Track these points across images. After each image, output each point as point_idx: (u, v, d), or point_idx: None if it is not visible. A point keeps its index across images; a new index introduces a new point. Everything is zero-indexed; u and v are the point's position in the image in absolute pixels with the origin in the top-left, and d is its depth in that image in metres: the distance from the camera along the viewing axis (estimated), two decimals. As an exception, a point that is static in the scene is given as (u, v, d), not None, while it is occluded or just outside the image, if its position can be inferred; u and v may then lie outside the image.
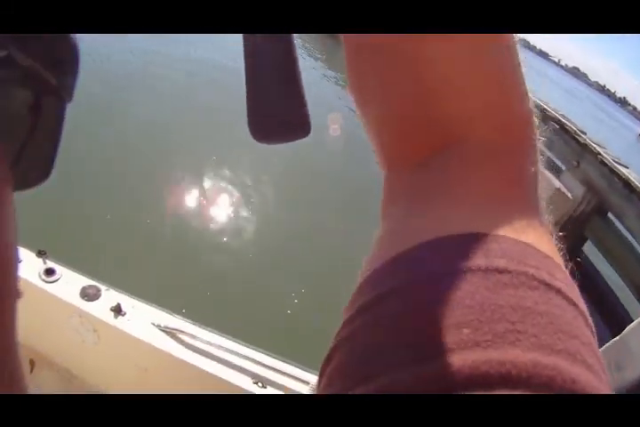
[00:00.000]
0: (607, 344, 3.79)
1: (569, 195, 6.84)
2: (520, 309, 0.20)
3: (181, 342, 1.97)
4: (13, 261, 0.19)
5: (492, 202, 0.27)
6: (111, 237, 4.22)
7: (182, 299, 3.53)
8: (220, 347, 1.93)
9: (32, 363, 2.31)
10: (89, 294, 2.10)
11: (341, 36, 0.30)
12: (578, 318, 0.22)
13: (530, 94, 0.30)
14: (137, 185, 5.16)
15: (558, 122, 7.72)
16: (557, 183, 6.87)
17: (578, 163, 7.27)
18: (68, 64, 0.20)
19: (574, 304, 0.22)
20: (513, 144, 0.30)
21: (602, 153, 7.09)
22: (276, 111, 0.29)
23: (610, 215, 7.11)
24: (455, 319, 0.20)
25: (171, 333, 1.97)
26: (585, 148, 7.34)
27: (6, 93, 0.18)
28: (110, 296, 2.10)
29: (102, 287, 2.13)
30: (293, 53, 0.29)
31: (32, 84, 0.19)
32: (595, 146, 7.32)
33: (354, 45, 0.30)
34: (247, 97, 0.29)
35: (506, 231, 0.24)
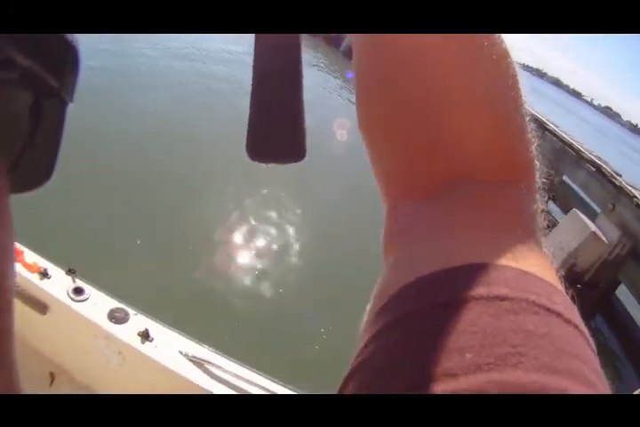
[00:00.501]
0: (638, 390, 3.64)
1: (604, 238, 6.71)
2: (521, 332, 0.21)
3: (208, 372, 1.91)
4: (10, 262, 0.18)
5: (495, 233, 0.28)
6: (140, 262, 4.22)
7: (211, 331, 3.49)
8: (247, 381, 1.87)
9: (52, 376, 2.30)
10: (117, 317, 2.06)
11: (354, 74, 0.33)
12: (578, 338, 0.23)
13: (535, 141, 0.32)
14: (169, 209, 5.19)
15: (594, 164, 7.63)
16: (593, 227, 6.74)
17: (613, 206, 7.15)
18: (68, 65, 0.20)
19: (575, 326, 0.23)
20: (514, 183, 0.31)
21: (638, 196, 6.96)
22: (274, 133, 0.30)
23: (645, 259, 6.95)
24: (459, 345, 0.21)
25: (198, 363, 1.91)
26: (621, 190, 7.23)
27: (6, 95, 0.18)
28: (138, 321, 2.06)
29: (131, 312, 2.09)
30: (300, 80, 0.31)
31: (32, 85, 0.19)
32: (630, 188, 7.20)
33: (365, 82, 0.33)
34: (249, 116, 0.30)
35: (508, 260, 0.25)
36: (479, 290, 0.23)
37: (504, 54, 0.30)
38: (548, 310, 0.23)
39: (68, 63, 0.20)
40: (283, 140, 0.31)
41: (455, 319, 0.22)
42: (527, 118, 0.32)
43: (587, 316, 6.42)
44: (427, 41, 0.29)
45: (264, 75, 0.31)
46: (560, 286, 0.26)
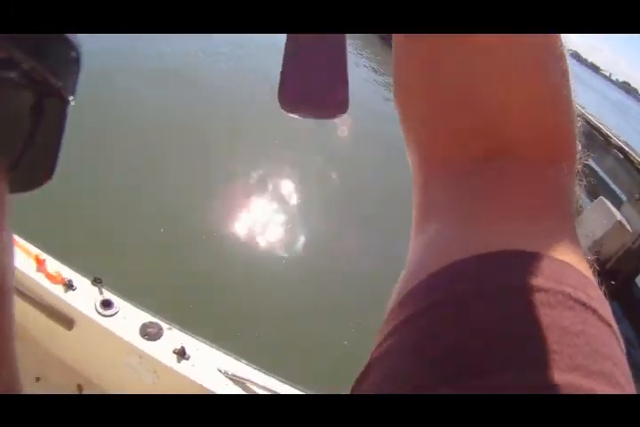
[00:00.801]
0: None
1: (628, 227, 6.63)
2: (557, 329, 0.20)
3: (249, 391, 1.82)
4: (9, 263, 0.18)
5: (534, 218, 0.26)
6: (168, 272, 4.10)
7: (241, 329, 3.43)
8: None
9: (80, 388, 2.22)
10: (150, 333, 1.98)
11: (392, 48, 0.31)
12: (611, 338, 0.22)
13: (579, 120, 0.30)
14: (195, 208, 5.06)
15: (621, 150, 7.48)
16: (619, 216, 6.67)
17: (640, 195, 7.04)
18: (69, 64, 0.20)
19: (608, 325, 0.22)
20: (557, 162, 0.29)
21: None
22: (315, 79, 0.26)
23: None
24: (487, 339, 0.20)
25: (239, 381, 1.82)
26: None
27: (7, 95, 0.18)
28: (173, 336, 1.98)
29: (164, 326, 2.00)
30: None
31: (33, 85, 0.19)
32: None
33: (403, 56, 0.31)
34: (284, 59, 0.26)
35: (545, 249, 0.23)
36: (512, 279, 0.22)
37: None
38: (584, 305, 0.22)
39: (69, 62, 0.20)
40: (323, 86, 0.27)
41: (484, 311, 0.21)
42: (573, 95, 0.29)
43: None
44: None
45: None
46: (593, 279, 0.24)
